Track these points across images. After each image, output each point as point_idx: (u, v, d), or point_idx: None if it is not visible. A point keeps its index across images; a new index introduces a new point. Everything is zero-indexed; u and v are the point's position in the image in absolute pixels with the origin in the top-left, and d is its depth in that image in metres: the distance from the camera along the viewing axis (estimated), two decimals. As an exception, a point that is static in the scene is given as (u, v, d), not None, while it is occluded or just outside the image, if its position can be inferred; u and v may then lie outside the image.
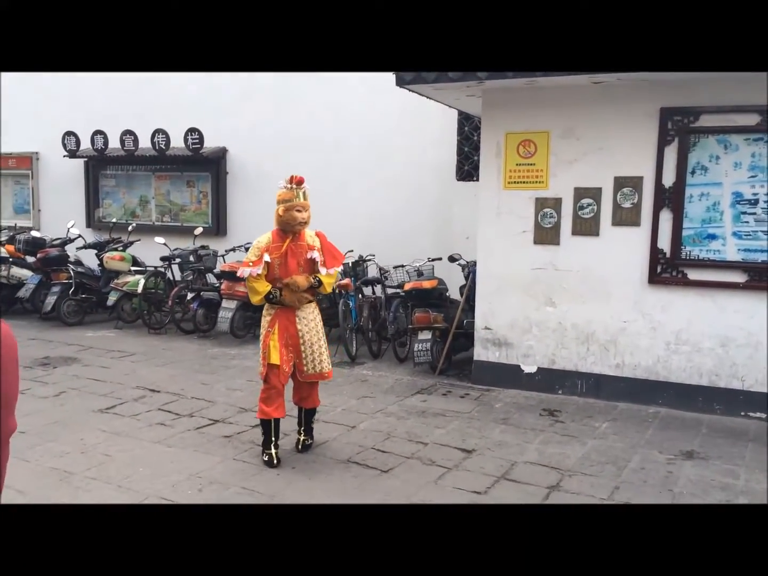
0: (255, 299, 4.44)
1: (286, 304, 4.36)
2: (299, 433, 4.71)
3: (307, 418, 4.71)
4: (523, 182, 6.03)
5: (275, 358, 4.33)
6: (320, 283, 4.44)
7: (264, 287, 4.34)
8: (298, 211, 4.28)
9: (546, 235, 5.97)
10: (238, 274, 4.53)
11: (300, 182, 4.33)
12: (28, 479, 4.10)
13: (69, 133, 10.30)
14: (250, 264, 4.32)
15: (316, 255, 4.42)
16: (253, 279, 4.31)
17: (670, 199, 5.54)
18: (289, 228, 4.33)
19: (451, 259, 7.16)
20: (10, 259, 9.18)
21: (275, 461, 4.37)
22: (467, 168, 8.17)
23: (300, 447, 4.64)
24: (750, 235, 5.37)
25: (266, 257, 4.31)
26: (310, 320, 4.45)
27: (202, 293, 8.12)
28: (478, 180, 6.75)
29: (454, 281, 7.43)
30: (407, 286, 6.96)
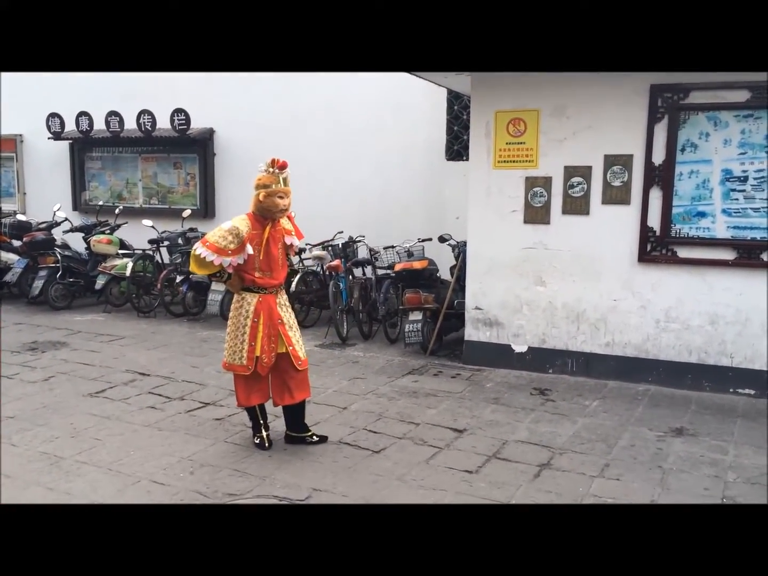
0: (200, 272, 4.17)
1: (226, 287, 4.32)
2: (298, 432, 4.42)
3: (301, 412, 4.44)
4: (513, 161, 6.00)
5: (260, 350, 4.17)
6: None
7: (216, 267, 4.07)
8: (280, 197, 4.06)
9: (536, 214, 5.95)
10: (208, 259, 4.01)
11: (283, 167, 4.07)
12: (18, 464, 4.08)
13: (53, 115, 10.15)
14: (229, 252, 4.01)
15: (295, 240, 4.35)
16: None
17: (660, 176, 5.53)
18: (269, 215, 4.12)
19: (441, 239, 7.13)
20: (-4, 244, 9.08)
21: (266, 444, 4.36)
22: (457, 147, 8.13)
23: (312, 441, 4.42)
24: (739, 212, 5.37)
25: (249, 249, 4.07)
26: (287, 306, 4.36)
27: (191, 276, 8.07)
28: (467, 160, 6.71)
29: (444, 261, 7.41)
30: (397, 267, 6.93)
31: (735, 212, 5.38)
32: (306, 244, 7.80)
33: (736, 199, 5.37)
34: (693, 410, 5.14)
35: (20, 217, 9.61)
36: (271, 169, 4.09)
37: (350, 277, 7.61)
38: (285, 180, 4.11)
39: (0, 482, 3.81)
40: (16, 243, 9.18)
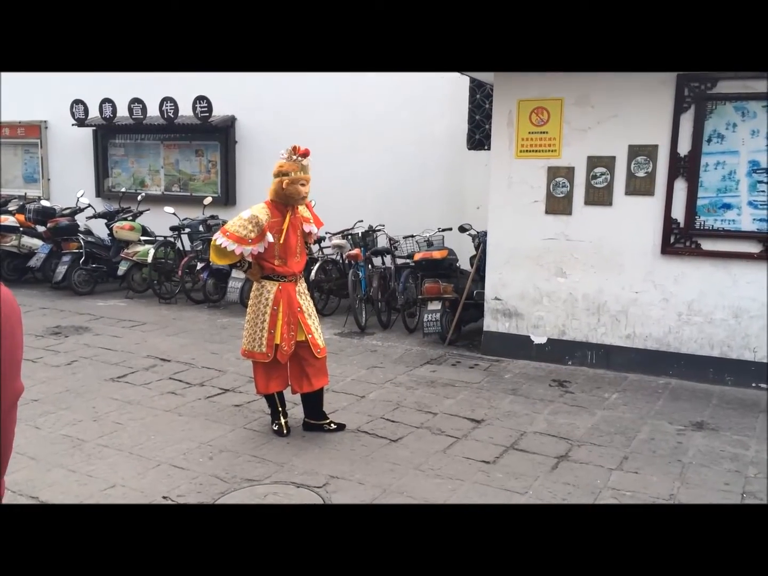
0: (221, 261, 4.21)
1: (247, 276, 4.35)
2: (317, 420, 4.44)
3: (319, 400, 4.46)
4: (536, 151, 5.94)
5: (279, 338, 4.18)
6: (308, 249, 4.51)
7: (236, 258, 4.11)
8: (302, 184, 4.07)
9: (558, 204, 5.90)
10: (228, 249, 4.02)
11: (305, 154, 4.08)
12: (41, 446, 4.15)
13: (77, 102, 10.24)
14: (249, 241, 4.03)
15: (314, 229, 4.36)
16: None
17: (685, 168, 5.45)
18: (291, 202, 4.13)
19: (462, 229, 7.10)
20: (21, 229, 9.20)
21: (285, 431, 4.39)
22: (478, 137, 8.06)
23: (330, 429, 4.45)
24: (766, 204, 5.28)
25: (269, 237, 4.07)
26: (307, 295, 4.37)
27: (211, 263, 8.12)
28: (489, 149, 6.66)
29: (464, 251, 7.38)
30: (417, 257, 6.92)
31: (761, 204, 5.29)
32: (326, 233, 7.81)
33: (763, 191, 5.27)
34: (714, 404, 5.08)
35: (44, 202, 9.72)
36: (294, 156, 4.09)
37: (369, 266, 7.61)
38: (305, 167, 4.11)
39: (1, 480, 3.88)
40: (40, 228, 9.30)
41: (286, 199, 4.12)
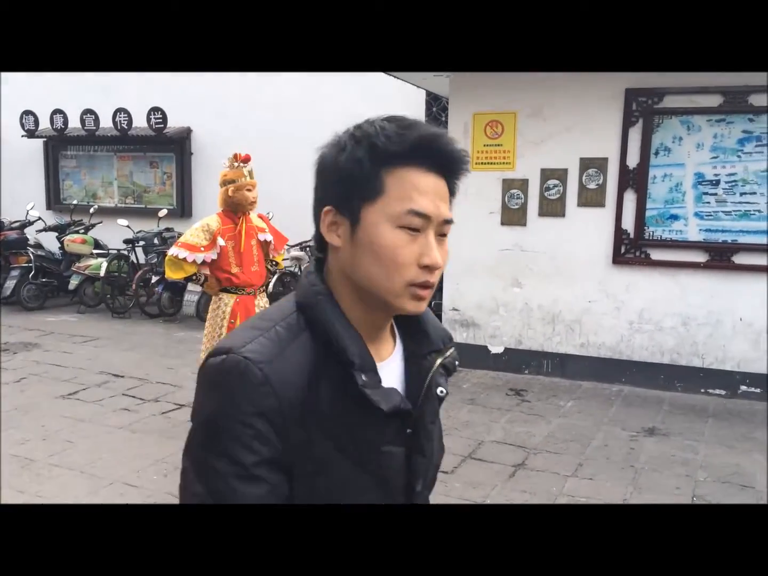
0: (176, 275, 4.20)
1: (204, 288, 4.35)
2: None
3: None
4: (491, 163, 6.04)
5: None
6: (276, 264, 4.57)
7: (192, 269, 4.11)
8: (248, 190, 4.11)
9: (513, 216, 6.00)
10: (180, 256, 4.02)
11: (246, 160, 4.14)
12: (-12, 467, 4.02)
13: (27, 112, 9.99)
14: (202, 249, 4.03)
15: (269, 237, 4.36)
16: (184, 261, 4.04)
17: (634, 180, 5.60)
18: (240, 209, 4.15)
19: (419, 240, 7.14)
20: (-33, 243, 8.92)
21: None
22: (435, 149, 8.14)
23: None
24: (711, 215, 5.46)
25: (220, 241, 4.09)
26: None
27: (166, 276, 7.99)
28: (445, 161, 6.73)
29: (421, 263, 7.42)
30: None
31: (707, 215, 5.47)
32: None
33: (708, 203, 5.45)
34: (665, 410, 5.21)
35: (-8, 215, 9.45)
36: (235, 164, 4.15)
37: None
38: (250, 173, 4.17)
39: (0, 484, 3.74)
40: (-12, 242, 9.03)
41: (235, 207, 4.16)
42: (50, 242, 9.28)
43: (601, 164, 5.69)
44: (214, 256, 4.13)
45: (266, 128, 8.93)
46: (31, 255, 8.56)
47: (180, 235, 8.89)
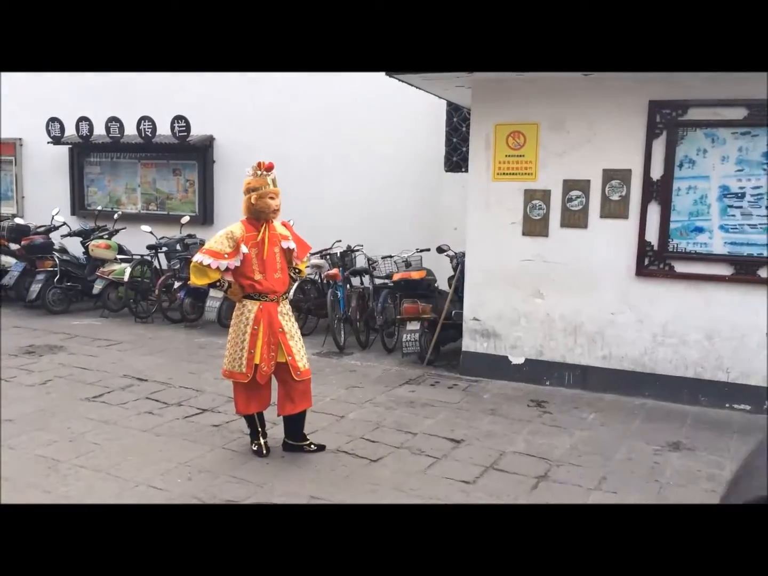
0: (200, 282, 4.23)
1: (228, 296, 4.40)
2: (297, 441, 4.42)
3: (301, 422, 4.44)
4: (512, 174, 6.04)
5: (259, 358, 4.17)
6: (299, 272, 4.55)
7: (216, 275, 4.15)
8: (271, 198, 4.15)
9: (535, 226, 5.99)
10: (205, 263, 4.09)
11: (270, 168, 4.19)
12: (16, 467, 4.07)
13: (53, 119, 10.16)
14: (225, 256, 4.08)
15: (292, 245, 4.38)
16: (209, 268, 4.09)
17: (658, 192, 5.58)
18: (263, 216, 4.18)
19: (440, 250, 7.16)
20: (-6, 247, 9.06)
21: (264, 451, 4.36)
22: (456, 159, 8.17)
23: (310, 450, 4.43)
24: (736, 228, 5.42)
25: (244, 248, 4.12)
26: (290, 316, 4.38)
27: (189, 282, 8.07)
28: (466, 171, 6.75)
29: (442, 272, 7.44)
30: (396, 277, 6.95)
31: (732, 228, 5.43)
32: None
33: (733, 216, 5.42)
34: (689, 425, 5.16)
35: (18, 220, 9.59)
36: (258, 172, 4.19)
37: (348, 286, 7.62)
38: (273, 181, 4.21)
39: (0, 484, 3.80)
40: (14, 246, 9.17)
41: (258, 215, 4.19)
42: (75, 247, 9.41)
43: (624, 176, 5.67)
44: (238, 263, 4.17)
45: (287, 138, 9.00)
46: (56, 259, 8.67)
47: (202, 241, 9.02)
